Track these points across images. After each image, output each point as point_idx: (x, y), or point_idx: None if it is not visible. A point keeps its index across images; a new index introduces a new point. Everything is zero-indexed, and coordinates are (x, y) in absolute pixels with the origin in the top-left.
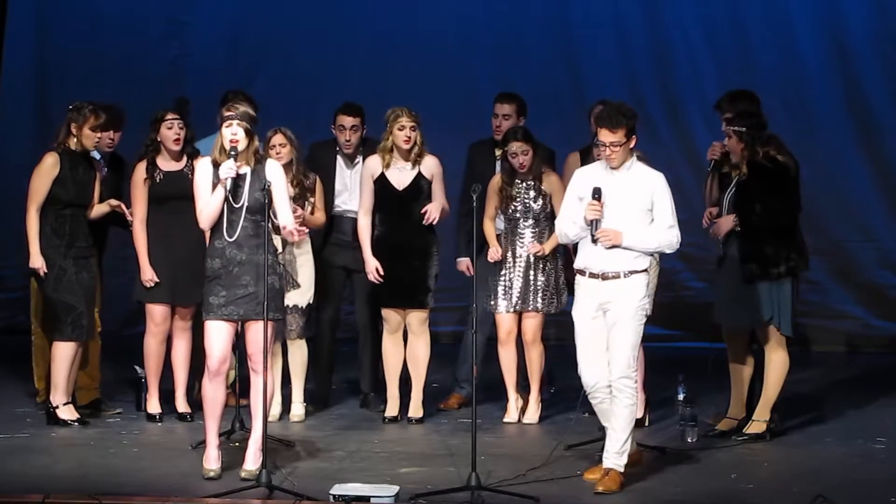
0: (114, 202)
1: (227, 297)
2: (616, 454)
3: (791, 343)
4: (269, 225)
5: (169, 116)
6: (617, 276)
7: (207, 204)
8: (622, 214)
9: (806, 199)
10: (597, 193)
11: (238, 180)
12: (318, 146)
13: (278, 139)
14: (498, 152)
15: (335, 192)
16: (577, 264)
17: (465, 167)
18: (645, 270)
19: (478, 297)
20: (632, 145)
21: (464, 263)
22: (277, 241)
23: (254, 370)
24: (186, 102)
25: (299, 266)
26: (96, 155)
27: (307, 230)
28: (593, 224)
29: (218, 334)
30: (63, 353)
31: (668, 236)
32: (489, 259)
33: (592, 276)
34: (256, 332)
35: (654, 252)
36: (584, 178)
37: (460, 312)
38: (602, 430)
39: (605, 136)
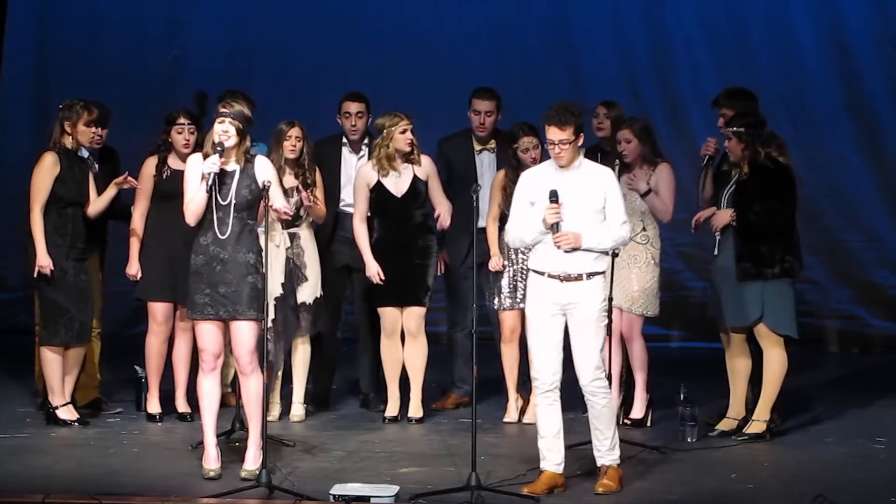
0: (119, 179)
1: (210, 295)
2: (608, 451)
3: (792, 342)
4: (255, 222)
5: (180, 120)
6: (579, 279)
7: (192, 200)
8: (577, 215)
9: (806, 199)
10: (554, 196)
11: (225, 178)
12: (321, 143)
13: (296, 132)
14: (478, 147)
15: (341, 185)
16: (534, 265)
17: (439, 163)
18: (604, 272)
19: (477, 295)
20: (580, 143)
21: (442, 256)
22: (278, 237)
23: (242, 373)
24: (205, 98)
25: (307, 260)
26: (84, 153)
27: (291, 210)
28: (553, 227)
29: (208, 332)
30: (52, 358)
31: (620, 233)
32: (491, 268)
33: (552, 276)
34: (240, 333)
35: (609, 251)
36: (532, 180)
37: (444, 313)
38: None
39: (553, 133)
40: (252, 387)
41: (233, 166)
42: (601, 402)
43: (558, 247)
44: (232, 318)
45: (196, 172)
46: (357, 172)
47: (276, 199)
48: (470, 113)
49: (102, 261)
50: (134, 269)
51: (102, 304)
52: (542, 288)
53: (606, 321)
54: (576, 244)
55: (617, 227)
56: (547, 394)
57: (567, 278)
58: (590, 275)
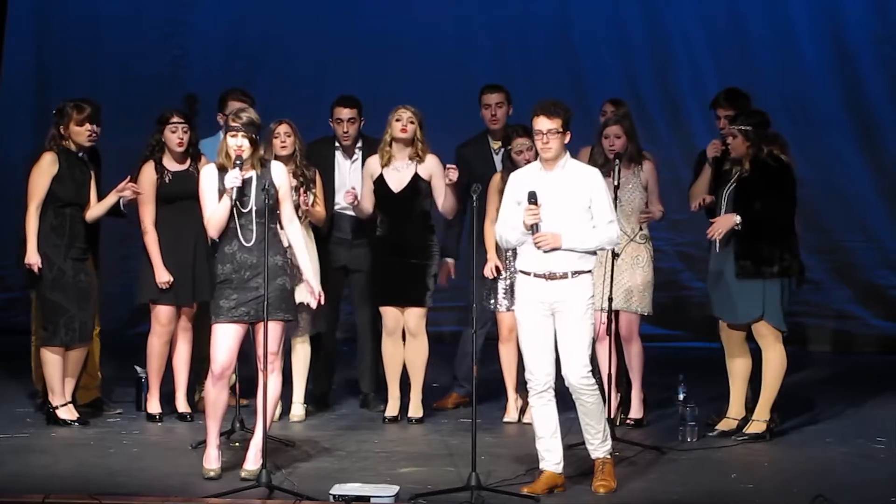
0: (120, 186)
1: (237, 300)
2: (601, 444)
3: (788, 341)
4: (277, 225)
5: (174, 119)
6: (564, 277)
7: (214, 213)
8: (561, 215)
9: (806, 199)
10: (533, 197)
11: (244, 186)
12: (315, 144)
13: (284, 129)
14: (496, 145)
15: (334, 189)
16: (521, 265)
17: (459, 169)
18: (590, 271)
19: (477, 296)
20: (566, 140)
21: (449, 264)
22: (284, 238)
23: (263, 371)
24: (195, 101)
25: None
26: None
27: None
28: (533, 228)
29: (225, 338)
30: (52, 358)
31: (608, 232)
32: (485, 274)
33: (538, 276)
34: (268, 333)
35: (595, 250)
36: (520, 181)
37: (459, 312)
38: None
39: (542, 123)
40: (272, 386)
41: (249, 174)
42: (591, 400)
43: (538, 247)
44: (258, 320)
45: (212, 185)
46: (364, 165)
47: (287, 218)
48: (481, 110)
49: (96, 261)
50: (165, 277)
51: (100, 306)
52: (530, 288)
53: (593, 320)
54: (555, 244)
55: (603, 227)
56: (541, 394)
57: (552, 277)
58: (575, 273)
